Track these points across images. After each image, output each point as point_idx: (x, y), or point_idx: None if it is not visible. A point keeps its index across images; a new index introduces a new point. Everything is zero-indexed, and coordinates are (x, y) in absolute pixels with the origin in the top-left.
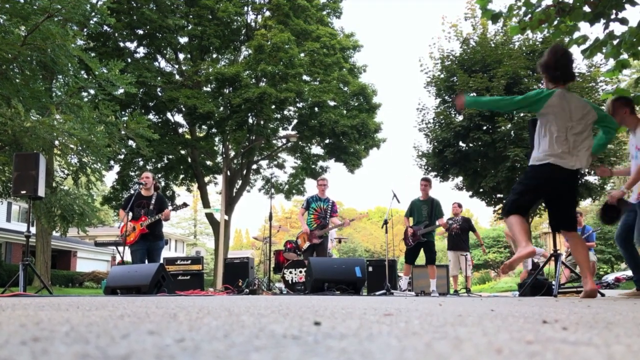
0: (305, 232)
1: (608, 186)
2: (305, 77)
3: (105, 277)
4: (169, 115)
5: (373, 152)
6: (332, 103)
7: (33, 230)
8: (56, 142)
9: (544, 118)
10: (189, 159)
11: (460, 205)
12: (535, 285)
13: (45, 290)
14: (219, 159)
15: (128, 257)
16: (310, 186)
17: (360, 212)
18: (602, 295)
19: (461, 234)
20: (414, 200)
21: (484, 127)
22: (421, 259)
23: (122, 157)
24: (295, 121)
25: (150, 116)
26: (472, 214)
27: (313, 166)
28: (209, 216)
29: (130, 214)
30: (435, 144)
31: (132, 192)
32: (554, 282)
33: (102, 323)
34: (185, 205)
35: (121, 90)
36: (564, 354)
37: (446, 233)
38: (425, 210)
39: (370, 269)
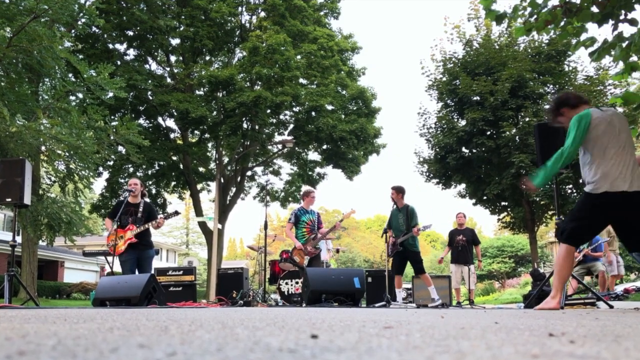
0: (300, 248)
1: None
2: (301, 80)
3: (93, 288)
4: (160, 120)
5: (372, 158)
6: (329, 107)
7: (19, 239)
8: (43, 148)
9: (593, 141)
10: (181, 166)
11: (464, 216)
12: (541, 296)
13: (32, 302)
14: (212, 165)
15: (117, 267)
16: None
17: (345, 213)
18: (611, 307)
19: (467, 246)
20: (391, 210)
21: (488, 132)
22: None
23: (111, 163)
24: (291, 126)
25: (141, 121)
26: (475, 222)
27: (310, 173)
28: (202, 225)
29: (117, 222)
30: (437, 149)
31: (121, 199)
32: None
33: (90, 336)
34: (177, 213)
35: (110, 95)
36: None
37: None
38: (401, 219)
39: (370, 279)
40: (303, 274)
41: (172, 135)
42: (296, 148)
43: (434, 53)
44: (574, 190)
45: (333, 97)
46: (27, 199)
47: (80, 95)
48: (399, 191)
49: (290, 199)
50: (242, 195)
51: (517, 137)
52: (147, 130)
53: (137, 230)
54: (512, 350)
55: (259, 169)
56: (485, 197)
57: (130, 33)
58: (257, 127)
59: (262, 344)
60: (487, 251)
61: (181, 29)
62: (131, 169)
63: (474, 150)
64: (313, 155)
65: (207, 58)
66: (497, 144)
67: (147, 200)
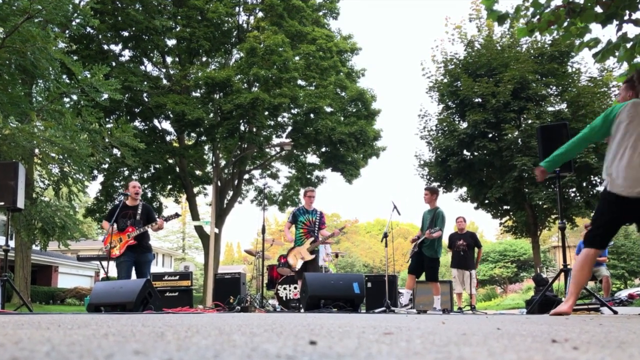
0: (296, 250)
1: None
2: (300, 82)
3: (88, 293)
4: (155, 122)
5: (372, 161)
6: (328, 109)
7: (12, 244)
8: (36, 151)
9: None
10: (177, 169)
11: (465, 220)
12: (544, 302)
13: (25, 308)
14: (209, 168)
15: (113, 272)
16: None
17: (347, 220)
18: (615, 312)
19: (468, 251)
20: (424, 212)
21: (490, 135)
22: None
23: (106, 166)
24: (289, 128)
25: (136, 123)
26: (477, 226)
27: (308, 176)
28: (199, 229)
29: (115, 225)
30: (438, 152)
31: (116, 202)
32: (563, 299)
33: (85, 342)
34: (177, 215)
35: (105, 96)
36: None
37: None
38: (428, 221)
39: (369, 284)
40: (301, 279)
41: (168, 138)
42: (294, 151)
43: (435, 54)
44: (578, 194)
45: (332, 99)
46: (21, 203)
47: (75, 97)
48: (433, 192)
49: (288, 202)
50: (239, 199)
51: (519, 139)
52: (143, 132)
53: (136, 233)
54: (515, 357)
55: (256, 172)
56: (487, 201)
57: (126, 34)
58: (254, 129)
59: (259, 350)
60: (489, 256)
61: (177, 29)
62: (126, 172)
63: (476, 153)
64: (312, 158)
65: (204, 59)
66: (499, 147)
67: (145, 202)
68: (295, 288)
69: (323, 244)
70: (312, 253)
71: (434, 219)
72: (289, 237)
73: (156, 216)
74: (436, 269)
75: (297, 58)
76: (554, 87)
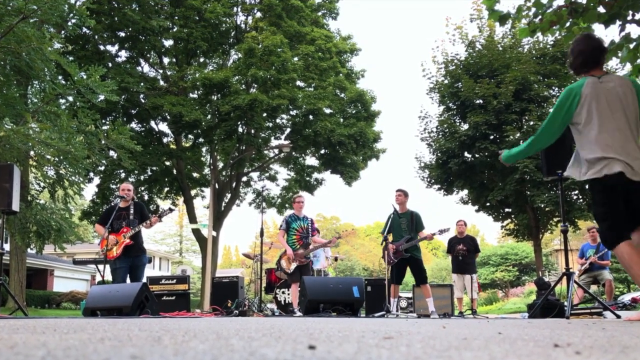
0: (290, 255)
1: None
2: (299, 83)
3: (84, 297)
4: (152, 123)
5: (372, 163)
6: (327, 110)
7: (7, 247)
8: (32, 153)
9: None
10: (174, 171)
11: (465, 224)
12: (546, 306)
13: (20, 312)
14: (207, 170)
15: (108, 275)
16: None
17: (345, 230)
18: (618, 317)
19: (468, 255)
20: (390, 214)
21: (491, 137)
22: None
23: (102, 169)
24: (288, 130)
25: (133, 125)
26: (477, 230)
27: (307, 178)
28: (196, 232)
29: (109, 228)
30: (439, 154)
31: (112, 205)
32: (566, 303)
33: (80, 347)
34: (170, 210)
35: (102, 98)
36: None
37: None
38: (405, 224)
39: (369, 288)
40: (295, 282)
41: (165, 140)
42: (293, 153)
43: (436, 55)
44: (580, 197)
45: (331, 100)
46: (16, 206)
47: (71, 99)
48: (407, 195)
49: (287, 205)
50: (237, 202)
51: (521, 141)
52: (140, 134)
53: (131, 232)
54: None
55: (254, 175)
56: (488, 204)
57: (122, 34)
58: (252, 131)
59: (258, 354)
60: (490, 259)
61: (174, 29)
62: (123, 175)
63: (477, 155)
64: (310, 160)
65: (201, 60)
66: (501, 149)
67: (137, 200)
68: None
69: (322, 248)
70: (305, 258)
71: (416, 222)
72: (286, 246)
73: (149, 212)
74: (424, 270)
75: (295, 59)
76: (556, 88)
